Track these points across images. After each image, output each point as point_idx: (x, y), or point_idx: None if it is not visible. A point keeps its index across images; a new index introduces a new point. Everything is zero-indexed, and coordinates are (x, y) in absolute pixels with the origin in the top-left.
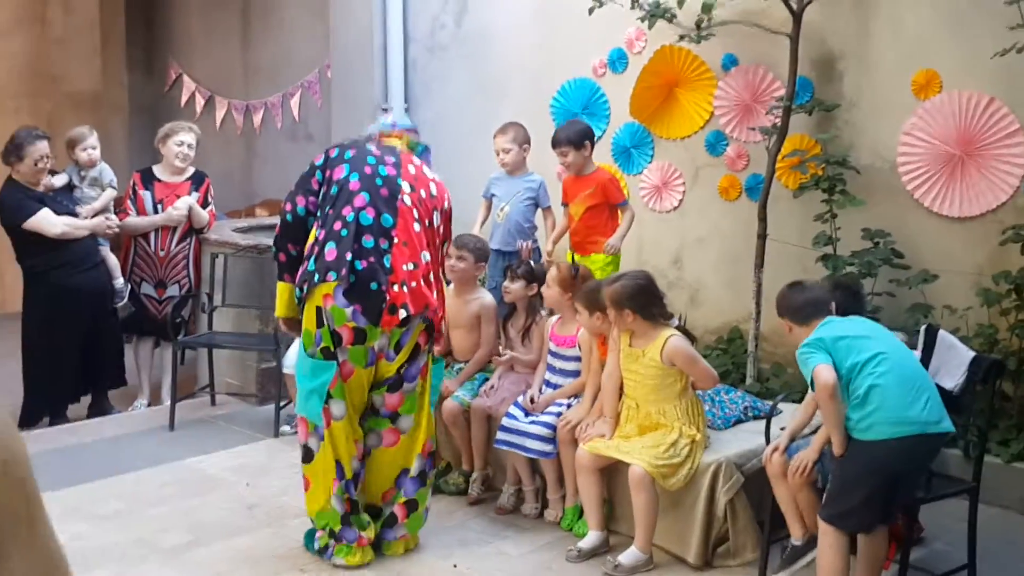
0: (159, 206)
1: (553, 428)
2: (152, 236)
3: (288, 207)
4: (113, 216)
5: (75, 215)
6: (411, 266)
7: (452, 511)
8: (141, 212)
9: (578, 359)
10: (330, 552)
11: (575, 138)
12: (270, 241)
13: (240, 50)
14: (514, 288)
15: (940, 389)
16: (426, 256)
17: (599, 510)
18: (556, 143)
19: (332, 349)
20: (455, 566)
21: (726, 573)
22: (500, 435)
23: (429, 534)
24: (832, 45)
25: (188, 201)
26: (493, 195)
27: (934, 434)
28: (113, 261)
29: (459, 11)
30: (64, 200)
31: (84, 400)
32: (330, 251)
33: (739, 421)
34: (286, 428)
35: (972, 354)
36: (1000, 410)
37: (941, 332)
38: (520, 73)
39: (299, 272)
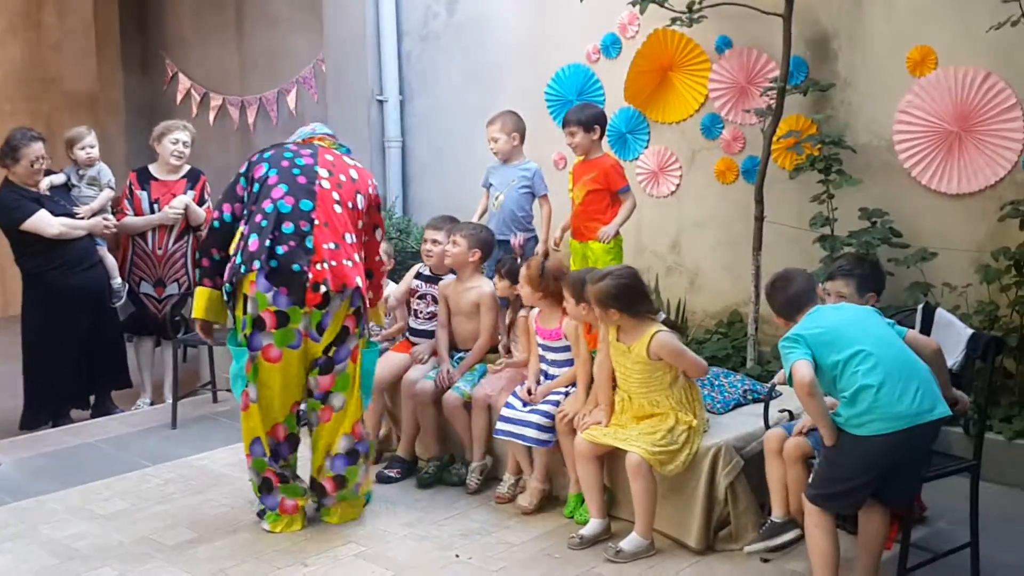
0: (155, 205)
1: (551, 417)
2: (149, 235)
3: (216, 215)
4: (111, 216)
5: (73, 215)
6: (333, 245)
7: (453, 501)
8: (138, 211)
9: (568, 349)
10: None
11: (585, 119)
12: None
13: (234, 46)
14: (500, 286)
15: None
16: (349, 237)
17: (599, 497)
18: (566, 122)
19: (249, 335)
20: (457, 556)
21: (728, 557)
22: (500, 425)
23: (431, 525)
24: (825, 24)
25: (184, 200)
26: (490, 184)
27: (929, 422)
28: (111, 261)
29: (451, 0)
30: (62, 200)
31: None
32: (253, 242)
33: (738, 405)
34: None
35: (970, 331)
36: (1002, 387)
37: (939, 310)
38: (514, 61)
39: (227, 269)
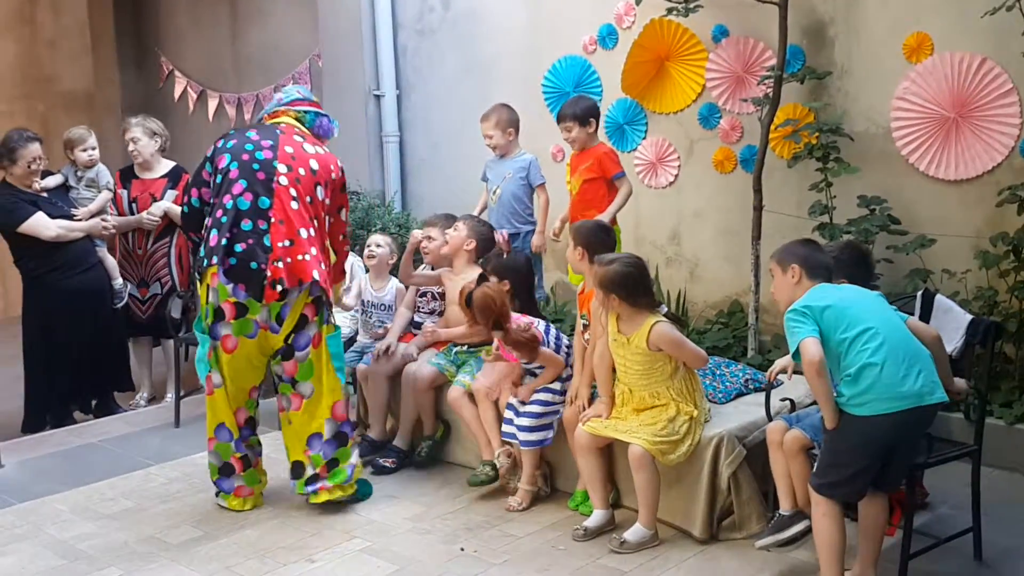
0: (134, 204)
1: (537, 416)
2: (130, 236)
3: (185, 199)
4: (110, 217)
5: (70, 217)
6: (289, 242)
7: (457, 495)
8: (120, 211)
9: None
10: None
11: (580, 113)
12: None
13: (229, 43)
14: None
15: None
16: (304, 232)
17: (602, 489)
18: (561, 118)
19: (211, 324)
20: (462, 549)
21: (732, 546)
22: (504, 427)
23: (435, 519)
24: (822, 12)
25: (163, 206)
26: (488, 179)
27: (928, 405)
28: (111, 262)
29: None
30: (59, 201)
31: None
32: (213, 237)
33: (740, 394)
34: None
35: (969, 317)
36: (1002, 372)
37: (938, 296)
38: (510, 53)
39: (195, 257)
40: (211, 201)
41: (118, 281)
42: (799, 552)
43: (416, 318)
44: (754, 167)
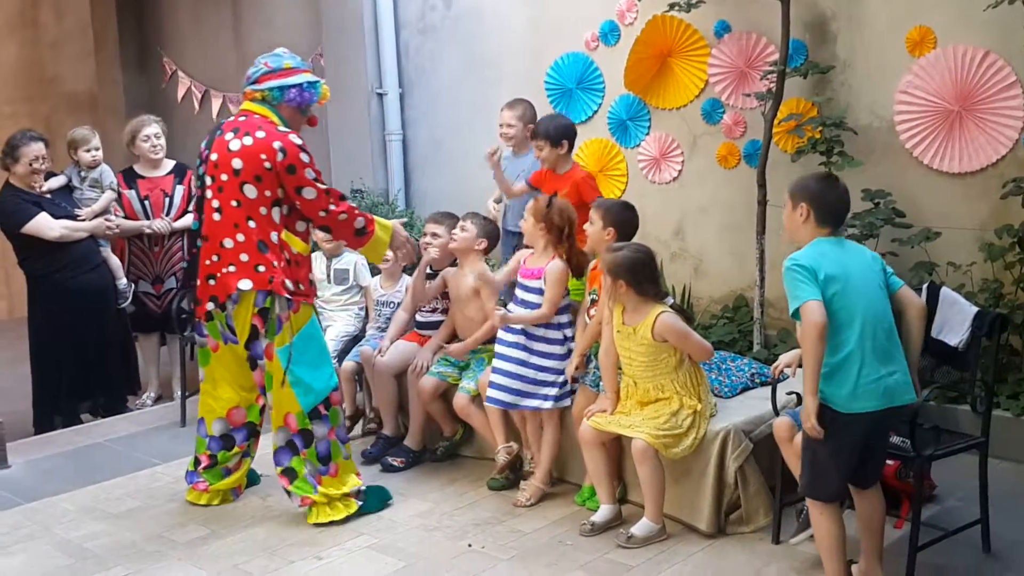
0: (145, 202)
1: (535, 383)
2: (145, 236)
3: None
4: (113, 217)
5: (74, 217)
6: (216, 257)
7: (464, 492)
8: (128, 212)
9: (541, 291)
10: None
11: (553, 134)
12: None
13: (232, 42)
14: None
15: (945, 345)
16: (230, 242)
17: (608, 484)
18: (535, 134)
19: (197, 324)
20: (470, 545)
21: (739, 540)
22: (491, 392)
23: (442, 515)
24: (824, 6)
25: (163, 225)
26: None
27: (899, 406)
28: (115, 262)
29: None
30: (62, 202)
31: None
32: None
33: (746, 388)
34: None
35: (975, 309)
36: (1009, 364)
37: (943, 289)
38: (512, 51)
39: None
40: None
41: (122, 281)
42: (805, 546)
43: (420, 317)
44: (758, 162)
